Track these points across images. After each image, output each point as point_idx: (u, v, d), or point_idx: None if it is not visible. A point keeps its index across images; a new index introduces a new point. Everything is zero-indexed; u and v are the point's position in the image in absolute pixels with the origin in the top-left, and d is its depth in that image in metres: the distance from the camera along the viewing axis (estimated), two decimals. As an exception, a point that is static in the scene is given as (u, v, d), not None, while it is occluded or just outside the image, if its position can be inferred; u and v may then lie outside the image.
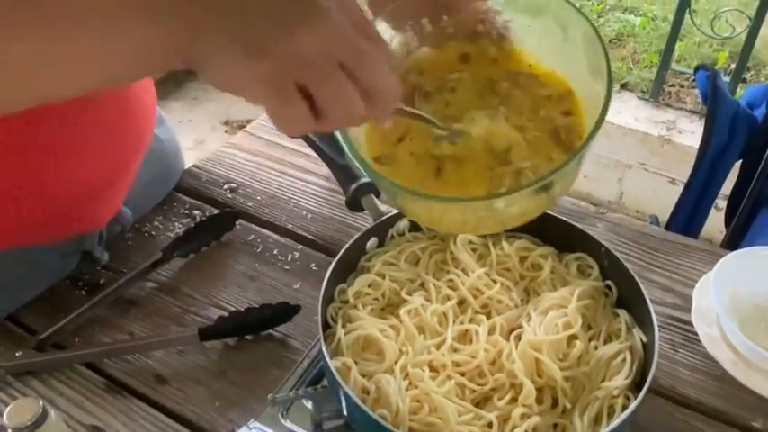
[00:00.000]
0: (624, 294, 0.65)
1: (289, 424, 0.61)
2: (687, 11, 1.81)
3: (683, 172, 1.27)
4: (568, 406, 0.57)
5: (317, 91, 0.41)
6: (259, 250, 0.86)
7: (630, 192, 2.11)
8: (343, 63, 0.40)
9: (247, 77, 0.41)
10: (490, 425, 0.55)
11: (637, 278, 0.62)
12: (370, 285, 0.66)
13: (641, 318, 0.62)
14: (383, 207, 0.73)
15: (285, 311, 0.75)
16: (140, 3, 0.41)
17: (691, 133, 1.99)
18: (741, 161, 1.13)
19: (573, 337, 0.60)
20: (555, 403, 0.58)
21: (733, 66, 1.99)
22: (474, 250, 0.66)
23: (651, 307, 0.60)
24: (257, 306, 0.75)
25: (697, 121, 2.04)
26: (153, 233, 0.88)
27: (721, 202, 1.34)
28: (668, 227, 1.21)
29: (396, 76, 0.44)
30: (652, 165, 2.03)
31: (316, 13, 0.40)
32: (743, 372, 0.70)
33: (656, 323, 0.59)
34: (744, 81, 2.10)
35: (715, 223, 1.37)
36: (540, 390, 0.57)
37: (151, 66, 0.44)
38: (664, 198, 1.71)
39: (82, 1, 0.41)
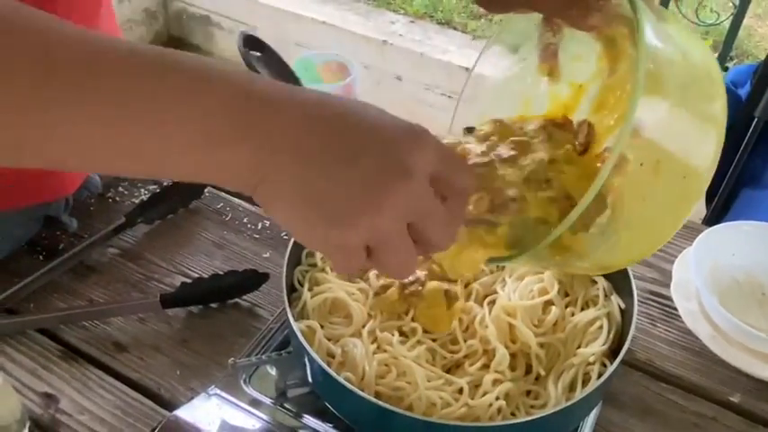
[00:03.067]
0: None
1: (251, 391, 0.58)
2: (672, -2, 1.80)
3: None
4: (542, 373, 0.55)
5: (381, 257, 0.40)
6: (228, 218, 0.83)
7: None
8: (412, 223, 0.39)
9: (324, 243, 0.39)
10: (461, 391, 0.53)
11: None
12: (339, 249, 0.63)
13: (620, 285, 0.60)
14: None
15: (252, 279, 0.72)
16: (203, 133, 0.36)
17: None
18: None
19: (549, 304, 0.58)
20: (529, 370, 0.56)
21: (716, 54, 1.99)
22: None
23: (631, 274, 0.58)
24: (223, 273, 0.72)
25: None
26: (117, 199, 0.85)
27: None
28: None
29: (454, 230, 0.42)
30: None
31: (400, 178, 0.37)
32: (722, 346, 0.69)
33: (635, 289, 0.57)
34: (726, 69, 2.09)
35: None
36: (513, 356, 0.55)
37: (208, 180, 0.40)
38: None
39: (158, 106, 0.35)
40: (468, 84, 0.55)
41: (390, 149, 0.37)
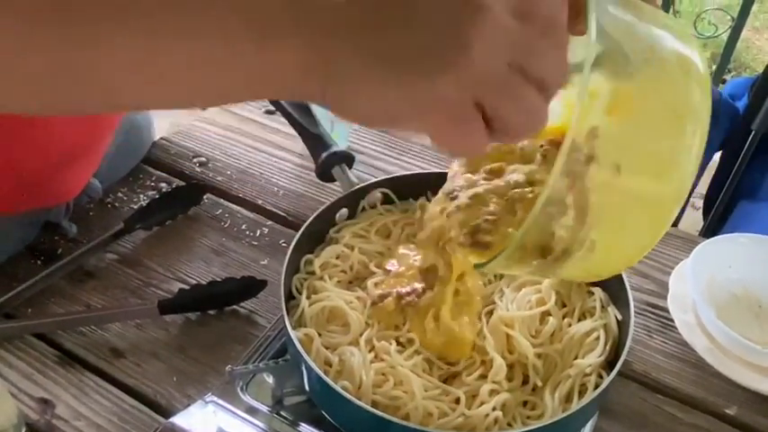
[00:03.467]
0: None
1: (248, 399, 0.58)
2: (670, 11, 1.81)
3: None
4: (539, 384, 0.55)
5: (499, 107, 0.34)
6: (227, 225, 0.83)
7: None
8: (514, 62, 0.33)
9: (415, 105, 0.33)
10: (457, 401, 0.53)
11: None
12: (338, 257, 0.63)
13: (616, 297, 0.60)
14: (354, 177, 0.70)
15: (250, 286, 0.72)
16: (254, 23, 0.33)
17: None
18: (720, 152, 1.13)
19: (546, 314, 0.58)
20: (526, 381, 0.56)
21: (714, 67, 2.00)
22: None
23: (627, 284, 0.58)
24: (221, 280, 0.72)
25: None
26: (116, 204, 0.85)
27: (698, 201, 1.34)
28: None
29: (564, 55, 0.35)
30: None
31: (478, 10, 0.32)
32: (718, 358, 0.69)
33: (631, 301, 0.57)
34: (724, 82, 2.11)
35: (692, 221, 1.37)
36: (511, 367, 0.55)
37: (268, 94, 0.37)
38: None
39: (191, 21, 0.33)
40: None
41: None
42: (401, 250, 0.61)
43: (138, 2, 0.33)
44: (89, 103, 0.38)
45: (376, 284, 0.59)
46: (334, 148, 0.70)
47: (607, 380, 0.51)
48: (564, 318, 0.59)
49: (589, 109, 0.35)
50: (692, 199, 1.27)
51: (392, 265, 0.59)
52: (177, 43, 0.33)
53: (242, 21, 0.33)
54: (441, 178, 0.69)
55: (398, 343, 0.56)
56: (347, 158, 0.70)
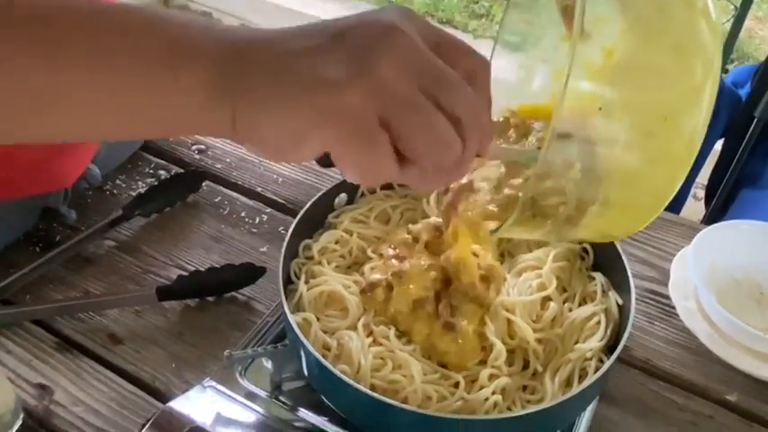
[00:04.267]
0: (600, 258, 0.63)
1: (246, 383, 0.58)
2: None
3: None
4: (539, 369, 0.54)
5: (407, 125, 0.33)
6: (226, 212, 0.82)
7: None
8: (425, 88, 0.33)
9: (319, 116, 0.32)
10: (457, 385, 0.52)
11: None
12: (337, 242, 0.63)
13: (617, 282, 0.60)
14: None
15: (249, 273, 0.71)
16: (167, 52, 0.33)
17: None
18: (723, 140, 1.12)
19: (547, 299, 0.58)
20: (526, 366, 0.55)
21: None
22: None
23: (629, 270, 0.58)
24: (220, 267, 0.72)
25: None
26: (115, 192, 0.84)
27: (700, 192, 1.33)
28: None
29: (487, 102, 0.35)
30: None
31: (392, 30, 0.32)
32: (719, 344, 0.69)
33: (632, 285, 0.56)
34: (727, 72, 2.09)
35: (694, 211, 1.36)
36: (511, 352, 0.55)
37: (184, 126, 0.36)
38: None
39: (123, 52, 0.34)
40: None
41: (366, 18, 0.33)
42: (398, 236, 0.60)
43: (52, 31, 0.33)
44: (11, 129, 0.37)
45: (372, 269, 0.58)
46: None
47: (607, 363, 0.51)
48: (564, 302, 0.59)
49: (583, 53, 0.34)
50: (693, 189, 1.26)
51: (388, 249, 0.59)
52: (91, 75, 0.34)
53: (156, 51, 0.33)
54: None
55: (397, 329, 0.56)
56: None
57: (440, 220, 0.58)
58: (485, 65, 0.35)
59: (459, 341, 0.53)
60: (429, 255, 0.56)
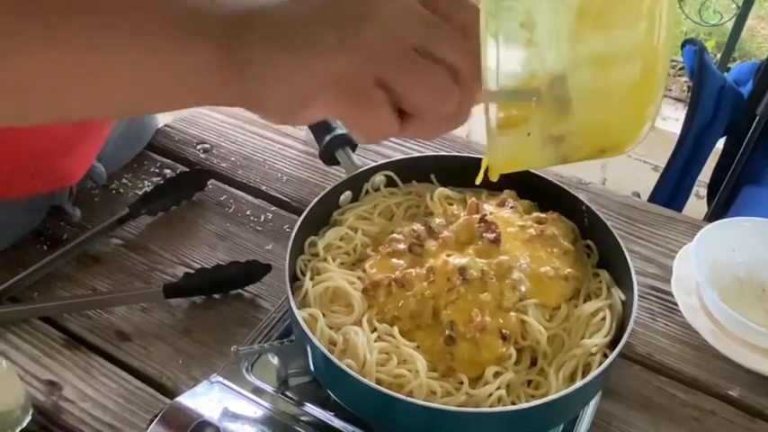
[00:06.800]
0: (605, 255, 0.64)
1: (253, 379, 0.59)
2: (675, -2, 1.80)
3: (666, 159, 1.26)
4: (547, 369, 0.54)
5: (402, 82, 0.34)
6: (231, 211, 0.83)
7: (613, 178, 2.10)
8: (418, 45, 0.34)
9: (319, 82, 0.34)
10: (461, 381, 0.53)
11: (616, 235, 0.61)
12: (341, 239, 0.63)
13: (621, 279, 0.60)
14: (358, 161, 0.70)
15: (255, 270, 0.72)
16: (172, 27, 0.35)
17: (675, 120, 1.98)
18: (725, 138, 1.13)
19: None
20: (533, 363, 0.56)
21: (719, 55, 1.99)
22: (450, 205, 0.64)
23: (632, 266, 0.58)
24: (225, 264, 0.72)
25: (681, 108, 2.04)
26: (121, 190, 0.85)
27: (702, 190, 1.33)
28: (650, 201, 1.20)
29: (471, 45, 0.35)
30: (635, 151, 2.02)
31: None
32: (721, 341, 0.69)
33: (635, 282, 0.57)
34: (728, 70, 2.10)
35: (696, 210, 1.37)
36: (519, 350, 0.55)
37: (193, 98, 0.38)
38: (646, 184, 1.71)
39: (125, 28, 0.35)
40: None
41: None
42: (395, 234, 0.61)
43: (53, 9, 0.34)
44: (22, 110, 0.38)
45: (372, 266, 0.59)
46: (338, 132, 0.70)
47: (609, 358, 0.52)
48: (570, 299, 0.59)
49: None
50: (696, 188, 1.27)
51: (389, 243, 0.60)
52: (96, 52, 0.35)
53: (158, 26, 0.35)
54: (442, 162, 0.70)
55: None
56: (350, 142, 0.70)
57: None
58: (475, 12, 0.35)
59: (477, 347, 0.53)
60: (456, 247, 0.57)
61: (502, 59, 0.34)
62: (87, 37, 0.35)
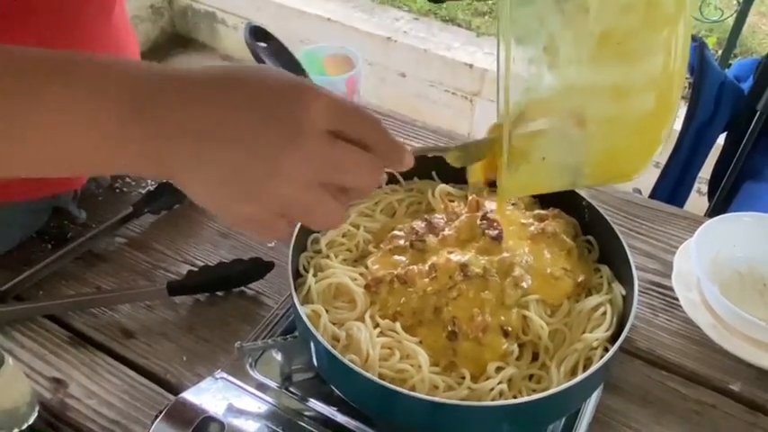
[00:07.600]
0: (605, 251, 0.64)
1: (257, 375, 0.59)
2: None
3: (667, 155, 1.26)
4: (549, 364, 0.55)
5: (300, 219, 0.43)
6: (234, 209, 0.83)
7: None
8: (324, 182, 0.40)
9: (234, 218, 0.41)
10: (463, 375, 0.53)
11: (617, 230, 0.61)
12: (344, 235, 0.64)
13: (621, 274, 0.60)
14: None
15: (258, 268, 0.73)
16: (112, 102, 0.38)
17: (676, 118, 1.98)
18: (725, 134, 1.13)
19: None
20: (535, 358, 0.56)
21: (720, 52, 1.99)
22: (451, 201, 0.64)
23: (632, 262, 0.58)
24: (228, 262, 0.73)
25: (682, 105, 2.04)
26: (125, 189, 0.86)
27: (703, 187, 1.33)
28: (651, 198, 1.20)
29: (378, 168, 0.43)
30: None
31: (288, 143, 0.38)
32: (722, 335, 0.69)
33: (635, 277, 0.57)
34: (729, 66, 2.10)
35: (697, 206, 1.37)
36: (521, 345, 0.56)
37: (114, 165, 0.43)
38: (647, 181, 1.71)
39: (58, 90, 0.38)
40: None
41: (275, 115, 0.38)
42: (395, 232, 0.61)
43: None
44: None
45: (373, 263, 0.59)
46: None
47: (610, 352, 0.52)
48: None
49: None
50: (697, 185, 1.27)
51: (390, 239, 0.60)
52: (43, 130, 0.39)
53: (102, 109, 0.38)
54: (444, 159, 0.70)
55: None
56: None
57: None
58: (384, 133, 0.43)
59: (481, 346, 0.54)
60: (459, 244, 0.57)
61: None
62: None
